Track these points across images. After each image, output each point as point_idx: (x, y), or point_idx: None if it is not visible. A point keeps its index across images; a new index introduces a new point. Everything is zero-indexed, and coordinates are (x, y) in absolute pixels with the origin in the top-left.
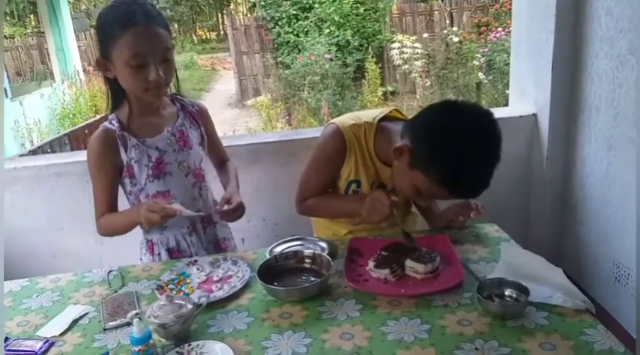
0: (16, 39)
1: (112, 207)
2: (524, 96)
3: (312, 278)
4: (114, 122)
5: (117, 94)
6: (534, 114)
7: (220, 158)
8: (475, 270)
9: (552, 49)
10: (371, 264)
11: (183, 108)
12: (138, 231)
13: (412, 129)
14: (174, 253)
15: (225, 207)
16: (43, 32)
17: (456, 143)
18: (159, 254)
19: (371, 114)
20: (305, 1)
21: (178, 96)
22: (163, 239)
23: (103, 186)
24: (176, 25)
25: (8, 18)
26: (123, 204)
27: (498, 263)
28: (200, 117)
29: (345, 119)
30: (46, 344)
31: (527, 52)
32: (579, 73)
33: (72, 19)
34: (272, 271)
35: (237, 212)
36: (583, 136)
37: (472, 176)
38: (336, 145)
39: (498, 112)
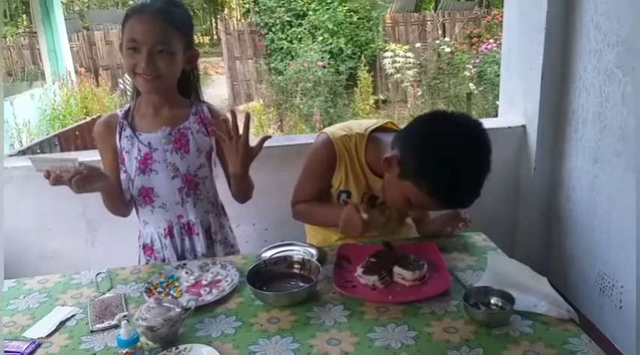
0: (7, 38)
1: (118, 186)
2: (514, 108)
3: (301, 284)
4: (123, 109)
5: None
6: (523, 126)
7: None
8: (462, 278)
9: (542, 62)
10: (359, 270)
11: (197, 113)
12: (129, 234)
13: (401, 139)
14: (147, 250)
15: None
16: (35, 32)
17: (446, 153)
18: (139, 245)
19: (364, 124)
20: (299, 9)
21: (201, 102)
22: (146, 233)
23: (107, 166)
24: None
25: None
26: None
27: (485, 271)
28: (219, 128)
29: (337, 129)
30: (33, 346)
31: (517, 64)
32: (568, 86)
33: (65, 19)
34: (261, 276)
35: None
36: (570, 148)
37: (462, 186)
38: (326, 156)
39: (488, 123)
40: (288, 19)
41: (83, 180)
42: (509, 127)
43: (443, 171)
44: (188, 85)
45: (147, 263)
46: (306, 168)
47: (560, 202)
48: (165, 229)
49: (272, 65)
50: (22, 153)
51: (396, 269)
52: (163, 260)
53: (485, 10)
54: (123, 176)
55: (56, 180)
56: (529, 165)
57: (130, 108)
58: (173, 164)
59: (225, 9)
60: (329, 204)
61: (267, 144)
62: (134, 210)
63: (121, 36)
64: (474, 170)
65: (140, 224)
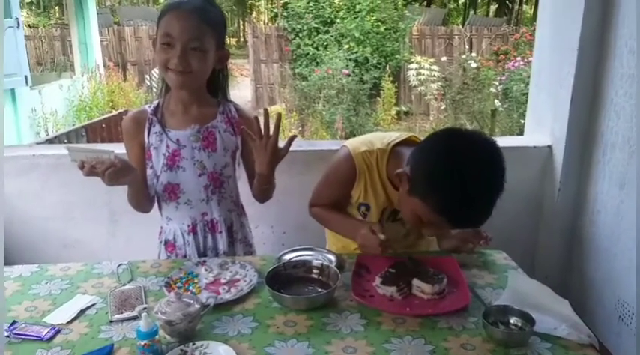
0: (40, 29)
1: (144, 179)
2: (541, 127)
3: (319, 289)
4: (153, 105)
5: (165, 82)
6: (549, 146)
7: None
8: (481, 295)
9: (572, 83)
10: (378, 280)
11: (224, 112)
12: (149, 228)
13: (413, 155)
14: (169, 247)
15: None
16: (67, 24)
17: (455, 171)
18: (160, 242)
19: (387, 138)
20: (327, 16)
21: (228, 101)
22: (168, 229)
23: (135, 161)
24: None
25: (33, 8)
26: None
27: (505, 290)
28: (238, 125)
29: (359, 144)
30: (53, 331)
31: (546, 83)
32: (598, 109)
33: (97, 14)
34: (279, 278)
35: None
36: (597, 172)
37: (472, 206)
38: (346, 170)
39: (513, 141)
40: (316, 25)
41: (117, 172)
42: (534, 146)
43: (451, 188)
44: (217, 84)
45: (167, 258)
46: (326, 177)
47: (583, 225)
48: (189, 226)
49: (297, 70)
50: (50, 141)
51: (415, 282)
52: (185, 256)
53: (514, 27)
54: (149, 172)
55: (90, 171)
56: (553, 186)
57: (159, 104)
58: (200, 161)
59: (254, 12)
60: (344, 215)
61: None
62: (156, 206)
63: (155, 31)
64: (485, 189)
65: (163, 220)
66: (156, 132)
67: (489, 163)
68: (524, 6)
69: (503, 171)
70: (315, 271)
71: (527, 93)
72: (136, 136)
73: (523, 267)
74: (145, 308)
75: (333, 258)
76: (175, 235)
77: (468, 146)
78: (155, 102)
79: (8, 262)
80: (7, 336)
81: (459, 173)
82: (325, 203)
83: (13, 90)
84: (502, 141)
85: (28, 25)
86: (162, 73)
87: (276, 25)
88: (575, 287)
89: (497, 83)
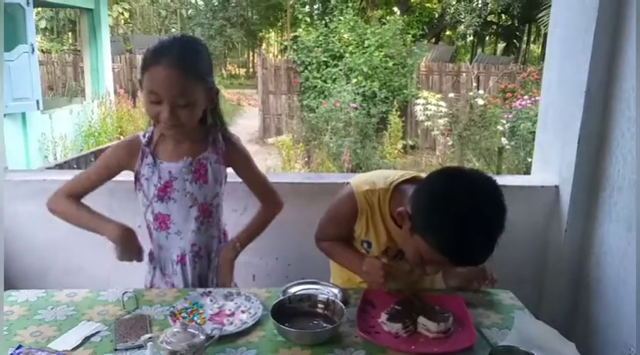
0: (52, 54)
1: (80, 195)
2: (548, 167)
3: (324, 324)
4: (147, 135)
5: None
6: (556, 186)
7: (260, 197)
8: (487, 335)
9: (580, 124)
10: (383, 316)
11: (214, 141)
12: None
13: (414, 194)
14: (160, 274)
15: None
16: (80, 50)
17: (454, 209)
18: (154, 267)
19: (390, 177)
20: (336, 50)
21: (218, 133)
22: (160, 257)
23: (93, 174)
24: None
25: (47, 33)
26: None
27: (511, 330)
28: (225, 156)
29: (361, 183)
30: None
31: (553, 124)
32: (604, 151)
33: (110, 41)
34: (284, 312)
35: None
36: (604, 213)
37: (471, 244)
38: (348, 208)
39: (520, 180)
40: (325, 59)
41: None
42: (542, 186)
43: (450, 226)
44: (212, 117)
45: (154, 287)
46: (329, 213)
47: (589, 267)
48: (178, 256)
49: (305, 102)
50: (60, 166)
51: (421, 320)
52: (172, 286)
53: (521, 66)
54: (139, 196)
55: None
56: (560, 227)
57: (151, 135)
58: (192, 193)
59: (264, 44)
60: (351, 249)
61: (297, 180)
62: (145, 232)
63: (139, 78)
64: (484, 228)
65: (154, 247)
66: (148, 164)
67: (488, 202)
68: (532, 45)
69: (503, 209)
70: (320, 305)
71: (534, 132)
72: (121, 160)
73: (529, 307)
74: (150, 338)
75: (338, 292)
76: (165, 264)
77: (466, 185)
78: (148, 133)
79: (14, 286)
80: None
81: (456, 212)
82: (329, 238)
83: (24, 114)
84: (509, 180)
85: (42, 51)
86: (153, 123)
87: (286, 57)
88: (581, 330)
89: (504, 121)
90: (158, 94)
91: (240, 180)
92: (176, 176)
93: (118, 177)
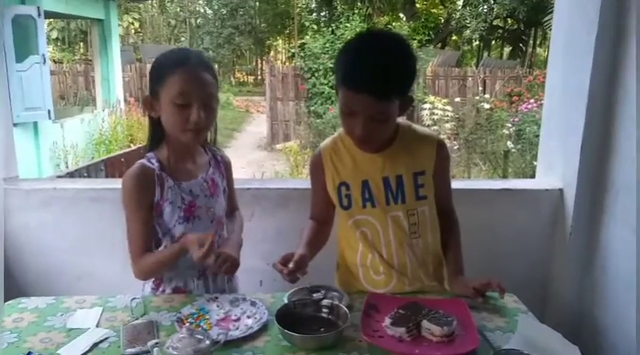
0: (64, 64)
1: (149, 247)
2: (552, 170)
3: (329, 329)
4: (153, 161)
5: (157, 135)
6: (560, 190)
7: (232, 207)
8: (491, 339)
9: (583, 128)
10: (387, 320)
11: (215, 158)
12: None
13: None
14: (180, 292)
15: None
16: (91, 60)
17: (353, 43)
18: (163, 290)
19: None
20: None
21: (211, 147)
22: (172, 277)
23: (143, 224)
24: (216, 66)
25: (59, 44)
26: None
27: (515, 334)
28: (226, 169)
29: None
30: None
31: (557, 129)
32: (608, 155)
33: (120, 51)
34: (289, 317)
35: (224, 263)
36: (608, 216)
37: (364, 64)
38: (315, 163)
39: (525, 184)
40: (332, 65)
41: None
42: (546, 190)
43: (347, 53)
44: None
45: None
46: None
47: (595, 270)
48: (199, 271)
49: (312, 108)
50: (70, 175)
51: (425, 324)
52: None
53: (527, 69)
54: (156, 227)
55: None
56: (564, 230)
57: (159, 159)
58: (211, 208)
59: (272, 51)
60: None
61: (305, 186)
62: None
63: (155, 95)
64: (377, 52)
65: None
66: (170, 187)
67: (386, 37)
68: (538, 48)
69: (402, 45)
70: (324, 310)
71: (539, 135)
72: (146, 195)
73: (534, 311)
74: (157, 344)
75: (342, 297)
76: (185, 281)
77: (370, 30)
78: (152, 158)
79: (27, 292)
80: None
81: (354, 43)
82: (316, 210)
83: (35, 124)
84: (513, 184)
85: (53, 61)
86: (176, 134)
87: (293, 64)
88: (586, 333)
89: (510, 124)
90: (190, 95)
91: (246, 186)
92: (197, 194)
93: (102, 185)
